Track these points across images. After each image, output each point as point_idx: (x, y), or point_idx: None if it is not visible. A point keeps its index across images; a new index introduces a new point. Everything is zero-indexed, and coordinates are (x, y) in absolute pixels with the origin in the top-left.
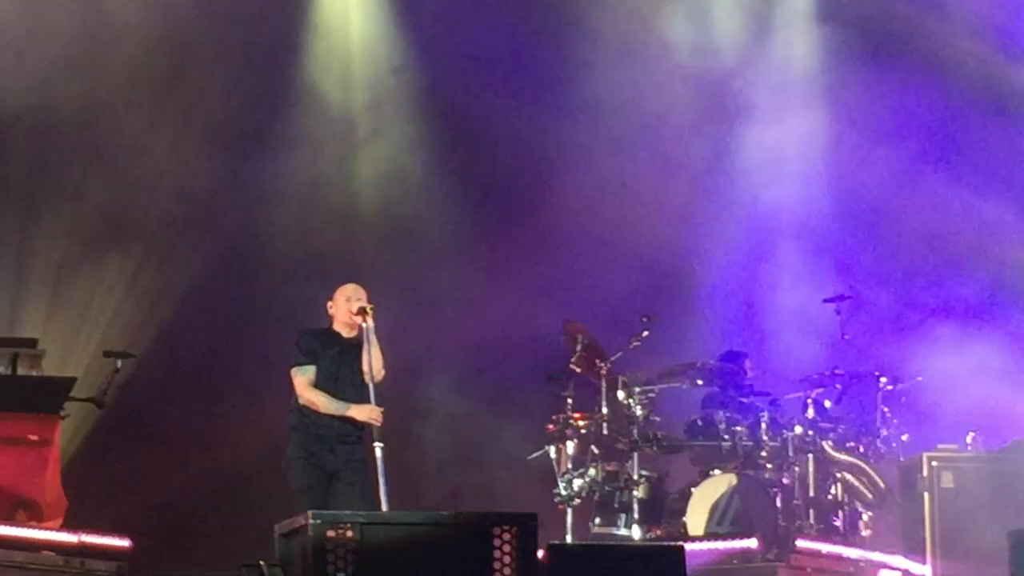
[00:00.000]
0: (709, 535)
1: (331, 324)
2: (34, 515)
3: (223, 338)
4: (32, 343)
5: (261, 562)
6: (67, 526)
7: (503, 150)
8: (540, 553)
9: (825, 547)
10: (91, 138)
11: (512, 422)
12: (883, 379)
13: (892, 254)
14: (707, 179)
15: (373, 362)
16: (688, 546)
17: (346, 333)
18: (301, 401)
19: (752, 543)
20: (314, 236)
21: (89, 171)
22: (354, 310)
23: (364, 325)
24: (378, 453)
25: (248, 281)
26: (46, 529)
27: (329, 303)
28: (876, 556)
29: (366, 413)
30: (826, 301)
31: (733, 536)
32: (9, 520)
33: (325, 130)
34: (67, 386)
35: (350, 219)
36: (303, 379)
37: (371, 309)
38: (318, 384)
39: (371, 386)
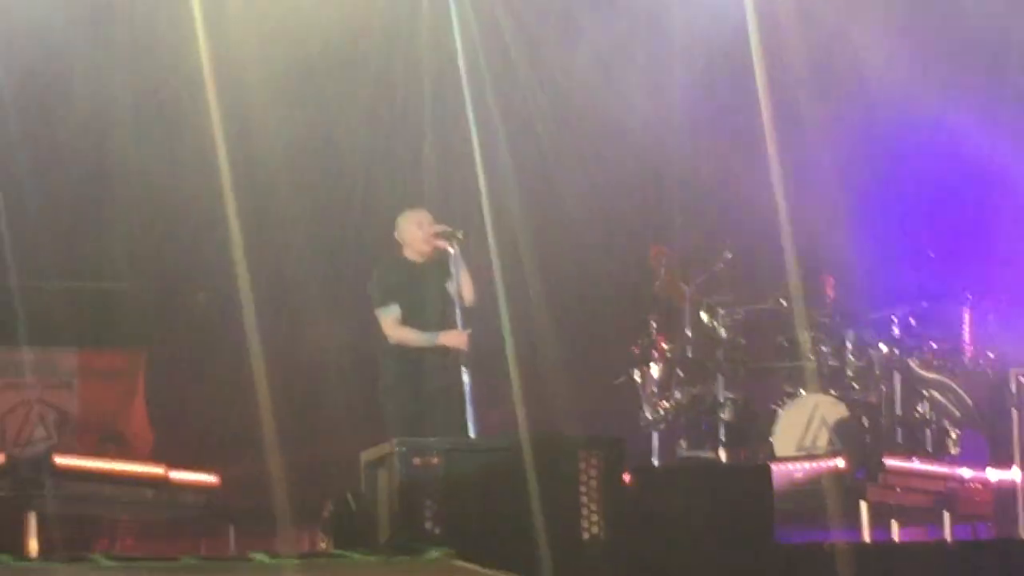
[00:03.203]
0: (796, 456)
1: (400, 252)
2: (122, 447)
3: (307, 267)
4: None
5: (347, 494)
6: (155, 460)
7: None
8: (626, 476)
9: (914, 465)
10: None
11: (597, 346)
12: (969, 296)
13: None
14: None
15: (463, 290)
16: (775, 467)
17: (420, 259)
18: (392, 342)
19: (839, 463)
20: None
21: None
22: (433, 234)
23: (451, 252)
24: (465, 378)
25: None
26: (134, 463)
27: (395, 232)
28: (965, 472)
29: (454, 339)
30: (912, 221)
31: (821, 456)
32: (98, 453)
33: None
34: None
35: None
36: (389, 320)
37: (462, 235)
38: (405, 319)
39: (458, 310)
